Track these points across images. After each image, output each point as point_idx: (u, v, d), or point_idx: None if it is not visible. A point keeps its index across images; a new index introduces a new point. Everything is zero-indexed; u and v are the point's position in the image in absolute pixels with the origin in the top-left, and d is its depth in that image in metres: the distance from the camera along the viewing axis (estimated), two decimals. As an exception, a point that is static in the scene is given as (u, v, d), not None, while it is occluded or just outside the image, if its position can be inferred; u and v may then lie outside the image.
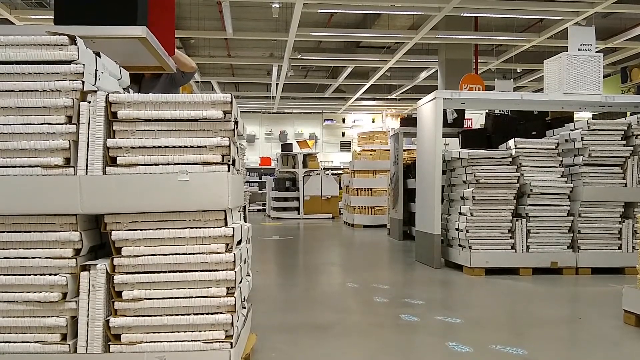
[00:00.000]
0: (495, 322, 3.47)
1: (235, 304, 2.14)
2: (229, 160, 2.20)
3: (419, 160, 6.07)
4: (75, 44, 2.14)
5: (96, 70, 2.25)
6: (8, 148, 2.12)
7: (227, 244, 2.17)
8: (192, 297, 2.12)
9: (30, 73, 2.13)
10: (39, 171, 2.11)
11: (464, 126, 7.90)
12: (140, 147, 2.16)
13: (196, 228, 2.16)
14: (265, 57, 14.82)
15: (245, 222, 3.16)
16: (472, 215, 5.03)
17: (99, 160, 2.13)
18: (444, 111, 6.14)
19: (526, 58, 13.24)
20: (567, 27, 8.44)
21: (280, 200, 13.56)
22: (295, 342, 2.93)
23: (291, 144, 15.43)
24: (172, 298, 2.12)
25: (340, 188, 13.05)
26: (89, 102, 2.14)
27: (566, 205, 5.08)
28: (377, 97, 19.46)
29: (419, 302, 3.89)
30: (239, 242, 2.40)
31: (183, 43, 13.27)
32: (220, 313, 2.13)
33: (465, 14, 10.25)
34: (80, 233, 2.11)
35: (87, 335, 2.08)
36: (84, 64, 2.15)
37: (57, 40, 2.13)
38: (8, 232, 2.11)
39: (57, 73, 2.13)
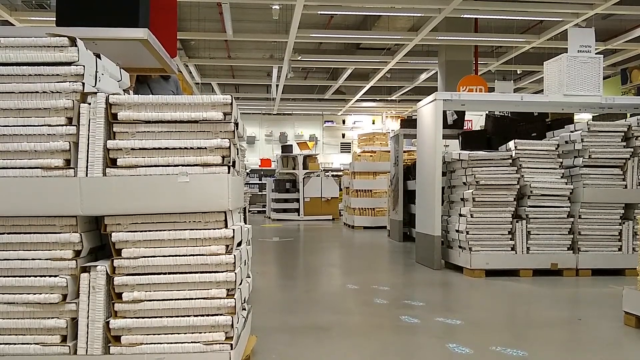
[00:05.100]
0: (496, 323, 3.47)
1: (235, 306, 2.14)
2: (229, 162, 2.20)
3: (419, 162, 6.07)
4: (76, 46, 2.14)
5: (96, 71, 2.25)
6: (8, 149, 2.12)
7: (227, 246, 2.17)
8: (192, 299, 2.12)
9: (30, 75, 2.13)
10: (39, 173, 2.11)
11: (464, 128, 7.90)
12: (140, 149, 2.16)
13: (196, 229, 2.16)
14: (265, 58, 14.83)
15: (245, 223, 3.16)
16: (472, 216, 5.02)
17: (99, 161, 2.14)
18: (444, 112, 6.14)
19: (526, 59, 13.25)
20: (567, 29, 8.45)
21: (281, 201, 13.56)
22: (296, 344, 2.92)
23: (291, 145, 15.43)
24: (172, 299, 2.12)
25: (340, 189, 13.05)
26: (89, 104, 2.15)
27: (566, 207, 5.08)
28: (377, 99, 19.48)
29: (419, 304, 3.89)
30: (239, 244, 2.40)
31: (183, 45, 13.28)
32: (221, 314, 2.13)
33: (465, 16, 10.26)
34: (81, 234, 2.11)
35: (87, 337, 2.08)
36: (84, 66, 2.15)
37: (58, 41, 2.13)
38: (8, 233, 2.11)
39: (58, 75, 2.13)
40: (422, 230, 5.84)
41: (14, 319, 2.08)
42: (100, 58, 2.30)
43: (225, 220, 2.18)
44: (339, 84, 16.21)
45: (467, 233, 5.02)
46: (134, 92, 3.82)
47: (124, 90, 2.62)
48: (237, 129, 2.28)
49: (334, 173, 16.05)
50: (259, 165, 18.85)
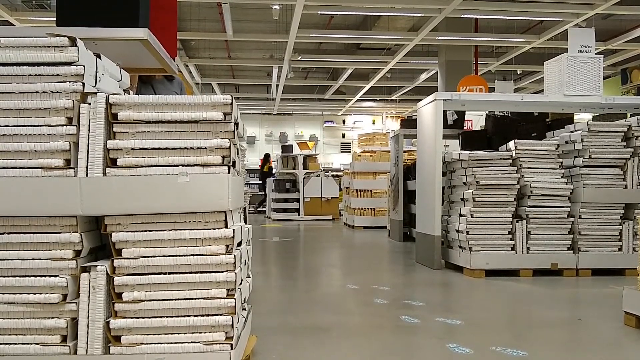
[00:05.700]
0: (496, 323, 3.47)
1: (235, 306, 2.14)
2: (230, 162, 2.20)
3: (419, 162, 6.07)
4: (76, 46, 2.14)
5: (96, 71, 2.25)
6: (8, 149, 2.12)
7: (227, 246, 2.17)
8: (192, 299, 2.12)
9: (30, 75, 2.13)
10: (39, 173, 2.11)
11: (464, 128, 7.90)
12: (140, 149, 2.16)
13: (196, 229, 2.16)
14: (265, 58, 14.84)
15: (245, 223, 3.16)
16: (472, 216, 5.02)
17: (99, 161, 2.13)
18: (444, 112, 6.14)
19: (526, 59, 13.26)
20: (567, 29, 8.45)
21: (281, 201, 13.56)
22: (296, 344, 2.92)
23: (291, 145, 15.44)
24: (172, 299, 2.12)
25: (341, 189, 13.05)
26: (90, 104, 2.15)
27: (566, 207, 5.08)
28: (377, 99, 19.48)
29: (419, 304, 3.89)
30: (239, 244, 2.40)
31: (183, 45, 13.28)
32: (221, 314, 2.13)
33: (465, 16, 10.26)
34: (81, 234, 2.11)
35: (87, 337, 2.08)
36: (84, 66, 2.15)
37: (58, 42, 2.13)
38: (8, 233, 2.11)
39: (58, 75, 2.13)
40: (422, 230, 5.84)
41: (14, 319, 2.08)
42: (100, 58, 2.30)
43: (225, 220, 2.18)
44: (339, 84, 16.21)
45: (467, 233, 5.02)
46: (137, 92, 3.82)
47: (124, 90, 2.62)
48: (237, 129, 2.28)
49: (334, 173, 16.04)
50: (259, 166, 18.85)
